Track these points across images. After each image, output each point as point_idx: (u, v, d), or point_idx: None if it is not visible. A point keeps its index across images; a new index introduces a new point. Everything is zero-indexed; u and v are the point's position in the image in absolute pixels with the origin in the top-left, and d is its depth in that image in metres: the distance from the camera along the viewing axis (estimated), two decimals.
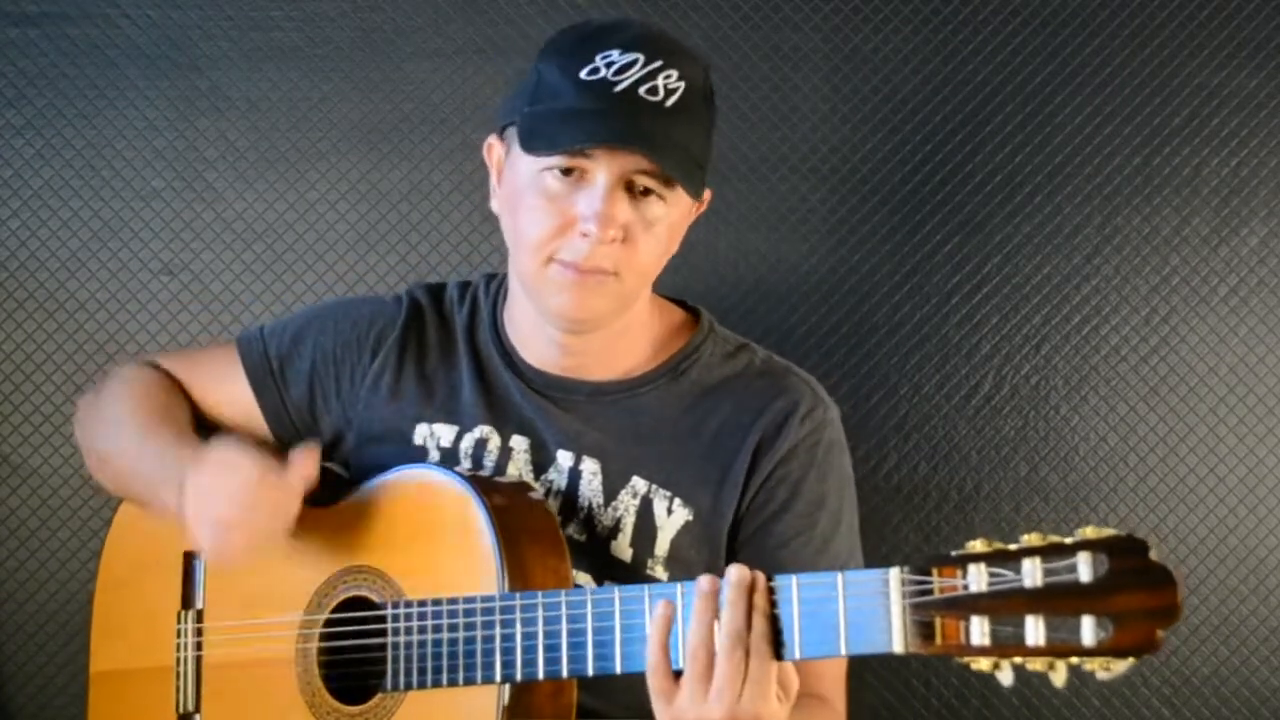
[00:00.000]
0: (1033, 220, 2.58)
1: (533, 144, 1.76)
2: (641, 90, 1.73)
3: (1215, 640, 2.57)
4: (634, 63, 1.73)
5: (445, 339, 2.01)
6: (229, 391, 2.07)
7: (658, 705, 1.61)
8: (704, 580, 1.59)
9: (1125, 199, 2.58)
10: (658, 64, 1.74)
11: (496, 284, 2.03)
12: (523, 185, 1.80)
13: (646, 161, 1.73)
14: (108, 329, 2.60)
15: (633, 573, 1.88)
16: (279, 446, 2.03)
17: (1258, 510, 2.58)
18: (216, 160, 2.61)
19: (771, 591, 1.56)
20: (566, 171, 1.76)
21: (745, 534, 1.91)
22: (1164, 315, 2.58)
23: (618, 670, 1.64)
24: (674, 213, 1.81)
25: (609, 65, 1.73)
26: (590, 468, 1.90)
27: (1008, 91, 2.58)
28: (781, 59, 2.59)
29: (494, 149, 1.90)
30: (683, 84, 1.75)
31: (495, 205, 1.91)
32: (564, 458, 1.91)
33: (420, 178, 2.61)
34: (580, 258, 1.76)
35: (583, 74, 1.74)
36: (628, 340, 1.94)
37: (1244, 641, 2.57)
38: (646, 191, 1.77)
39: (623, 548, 1.88)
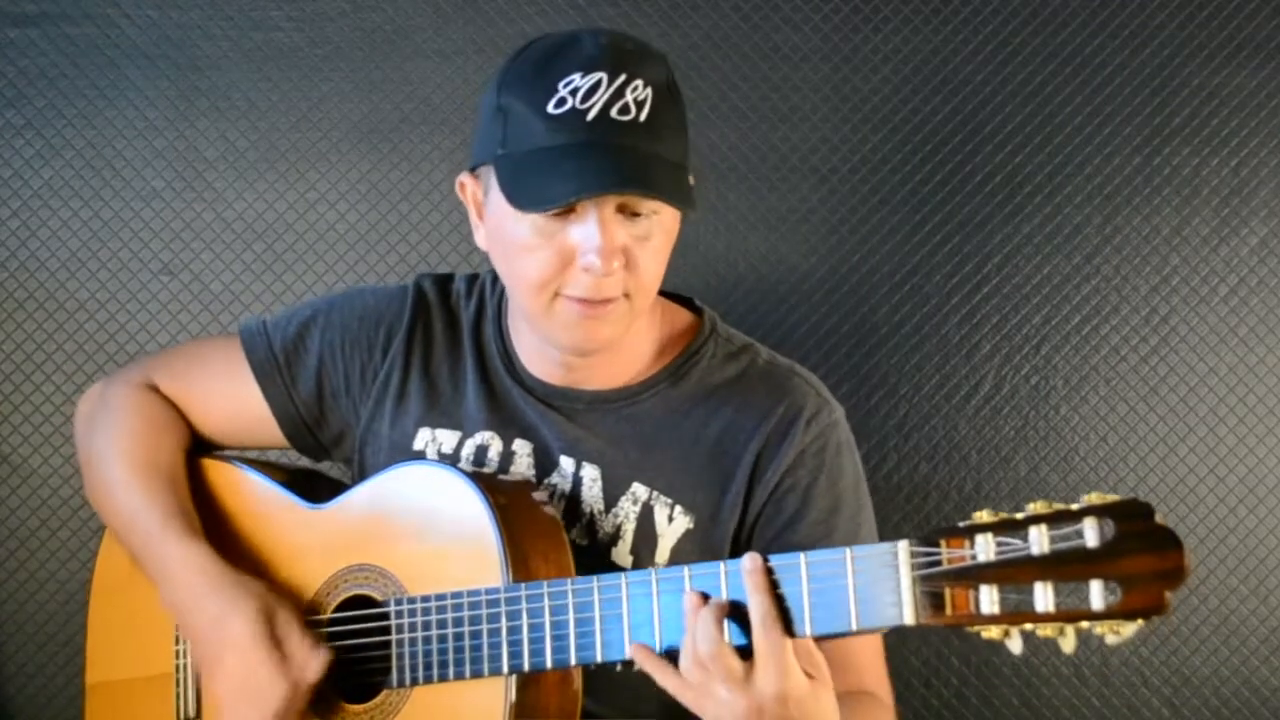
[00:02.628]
0: (1033, 220, 2.59)
1: (521, 202, 1.69)
2: (613, 112, 1.67)
3: (1215, 640, 2.57)
4: (598, 84, 1.67)
5: (451, 335, 1.98)
6: (234, 395, 2.02)
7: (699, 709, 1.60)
8: (693, 596, 1.59)
9: (1125, 199, 2.58)
10: (621, 79, 1.67)
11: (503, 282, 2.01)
12: (510, 226, 1.74)
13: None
14: (108, 329, 2.60)
15: None
16: (289, 442, 2.04)
17: (1258, 510, 2.58)
18: (216, 160, 2.62)
19: (771, 572, 1.56)
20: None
21: (760, 547, 1.85)
22: (1164, 315, 2.59)
23: (626, 655, 1.63)
24: (666, 217, 1.75)
25: (574, 92, 1.67)
26: (590, 474, 1.88)
27: (1008, 91, 2.58)
28: (781, 59, 2.60)
29: (467, 187, 1.84)
30: (649, 90, 1.69)
31: (481, 242, 1.85)
32: (566, 464, 1.89)
33: (420, 178, 2.61)
34: (589, 291, 1.71)
35: (550, 107, 1.67)
36: (630, 348, 1.89)
37: (1244, 641, 2.57)
38: (636, 214, 1.72)
39: (623, 555, 1.86)
